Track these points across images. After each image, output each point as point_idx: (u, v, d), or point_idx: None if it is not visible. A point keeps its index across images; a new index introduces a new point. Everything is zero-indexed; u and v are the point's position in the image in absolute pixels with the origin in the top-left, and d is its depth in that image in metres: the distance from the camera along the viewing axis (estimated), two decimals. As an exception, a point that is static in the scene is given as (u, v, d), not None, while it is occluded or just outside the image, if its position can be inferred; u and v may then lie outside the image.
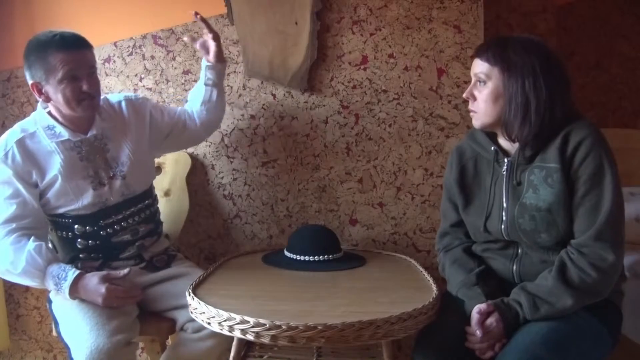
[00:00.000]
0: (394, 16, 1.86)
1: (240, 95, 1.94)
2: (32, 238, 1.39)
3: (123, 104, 1.61)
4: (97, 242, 1.50)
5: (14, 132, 1.46)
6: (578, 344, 1.15)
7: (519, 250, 1.30)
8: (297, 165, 1.94)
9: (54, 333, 1.52)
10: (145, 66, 1.98)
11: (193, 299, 1.28)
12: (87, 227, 1.49)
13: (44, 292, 2.07)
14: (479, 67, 1.27)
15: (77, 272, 1.38)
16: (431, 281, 1.44)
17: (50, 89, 1.40)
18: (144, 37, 1.96)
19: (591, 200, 1.18)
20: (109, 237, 1.51)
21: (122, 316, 1.39)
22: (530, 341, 1.12)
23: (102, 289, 1.36)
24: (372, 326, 1.15)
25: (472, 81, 1.29)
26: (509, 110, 1.23)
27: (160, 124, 1.67)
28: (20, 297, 2.10)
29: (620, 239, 1.19)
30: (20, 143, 1.43)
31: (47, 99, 1.43)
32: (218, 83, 1.71)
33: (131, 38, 1.97)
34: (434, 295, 1.31)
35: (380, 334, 1.16)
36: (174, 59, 1.96)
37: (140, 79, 1.99)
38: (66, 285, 1.36)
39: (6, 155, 1.42)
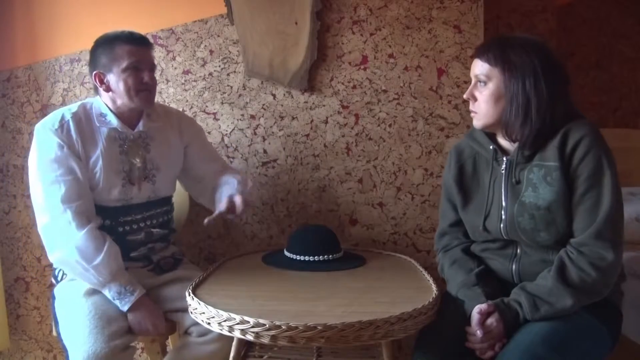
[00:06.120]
0: (394, 16, 1.86)
1: (240, 95, 1.94)
2: (108, 237, 1.43)
3: (175, 111, 1.70)
4: (112, 237, 1.51)
5: (72, 106, 1.50)
6: (578, 344, 1.15)
7: (518, 250, 1.30)
8: (297, 165, 1.94)
9: (54, 333, 1.52)
10: (145, 66, 1.98)
11: (193, 299, 1.28)
12: (106, 221, 1.50)
13: (44, 292, 2.07)
14: (479, 68, 1.27)
15: (144, 290, 1.44)
16: (431, 281, 1.45)
17: (112, 77, 1.46)
18: (144, 37, 1.95)
19: (591, 198, 1.18)
20: (124, 235, 1.53)
21: (122, 321, 1.39)
22: (530, 341, 1.12)
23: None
24: (372, 326, 1.15)
25: (472, 82, 1.30)
26: (510, 111, 1.23)
27: (189, 156, 1.69)
28: (20, 297, 2.10)
29: (619, 237, 1.19)
30: (76, 118, 1.46)
31: (108, 89, 1.48)
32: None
33: (131, 38, 1.97)
34: (433, 295, 1.31)
35: (380, 334, 1.16)
36: (174, 59, 1.96)
37: (140, 79, 1.98)
38: (131, 300, 1.40)
39: (62, 127, 1.44)
